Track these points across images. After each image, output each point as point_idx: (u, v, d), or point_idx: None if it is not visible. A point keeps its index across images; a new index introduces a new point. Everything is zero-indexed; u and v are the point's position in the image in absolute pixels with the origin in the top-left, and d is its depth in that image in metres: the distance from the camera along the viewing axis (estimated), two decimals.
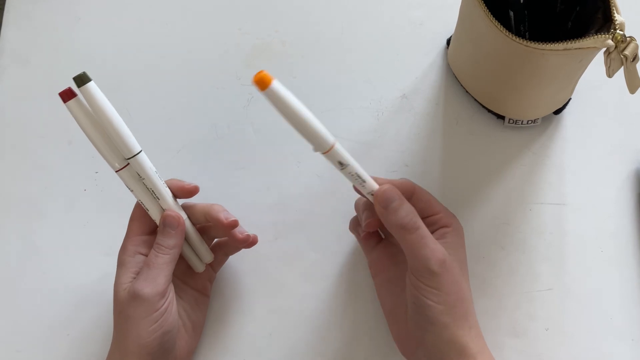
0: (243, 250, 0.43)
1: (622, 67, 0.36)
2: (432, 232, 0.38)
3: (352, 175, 0.35)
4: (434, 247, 0.36)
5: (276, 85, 0.30)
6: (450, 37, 0.50)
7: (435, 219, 0.39)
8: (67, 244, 0.46)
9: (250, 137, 0.49)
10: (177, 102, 0.51)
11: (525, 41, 0.38)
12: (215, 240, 0.44)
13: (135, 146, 0.37)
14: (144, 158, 0.37)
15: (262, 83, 0.30)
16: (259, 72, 0.30)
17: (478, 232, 0.46)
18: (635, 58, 0.35)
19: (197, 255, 0.41)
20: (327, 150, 0.34)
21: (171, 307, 0.38)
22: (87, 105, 0.35)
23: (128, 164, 0.37)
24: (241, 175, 0.48)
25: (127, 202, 0.47)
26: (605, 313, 0.43)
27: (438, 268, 0.35)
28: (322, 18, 0.53)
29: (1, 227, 0.47)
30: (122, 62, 0.52)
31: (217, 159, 0.49)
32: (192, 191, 0.41)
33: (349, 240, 0.46)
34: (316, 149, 0.34)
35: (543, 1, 0.45)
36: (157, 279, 0.37)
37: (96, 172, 0.48)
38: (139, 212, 0.40)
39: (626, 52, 0.35)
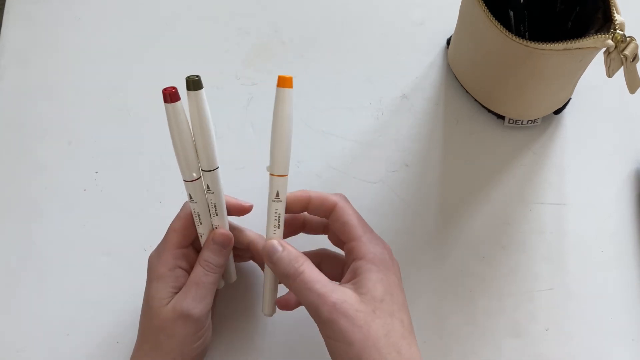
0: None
1: (622, 67, 0.36)
2: (348, 265, 0.35)
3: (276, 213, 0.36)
4: (322, 291, 0.32)
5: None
6: (451, 36, 0.50)
7: (350, 247, 0.35)
8: (67, 244, 0.46)
9: (250, 137, 0.49)
10: None
11: (525, 41, 0.38)
12: None
13: (217, 160, 0.36)
14: (219, 173, 0.36)
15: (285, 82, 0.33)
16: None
17: (478, 232, 0.46)
18: (635, 58, 0.35)
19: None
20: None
21: (210, 322, 0.38)
22: (185, 111, 0.34)
23: (200, 176, 0.36)
24: (241, 175, 0.48)
25: (127, 202, 0.47)
26: (605, 313, 0.43)
27: (327, 314, 0.31)
28: (322, 18, 0.53)
29: (1, 227, 0.47)
30: (121, 62, 0.52)
31: (217, 159, 0.49)
32: (247, 210, 0.40)
33: None
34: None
35: (543, 1, 0.45)
36: (206, 298, 0.36)
37: (96, 172, 0.48)
38: (182, 224, 0.38)
39: (626, 52, 0.35)
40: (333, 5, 0.54)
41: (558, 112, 0.48)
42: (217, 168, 0.36)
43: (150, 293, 0.37)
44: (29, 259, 0.46)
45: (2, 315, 0.44)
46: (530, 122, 0.47)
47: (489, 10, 0.39)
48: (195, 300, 0.36)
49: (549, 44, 0.37)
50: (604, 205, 0.46)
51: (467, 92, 0.49)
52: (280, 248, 0.35)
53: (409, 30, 0.52)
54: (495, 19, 0.39)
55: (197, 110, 0.33)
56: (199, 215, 0.37)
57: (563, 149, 0.48)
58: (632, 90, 0.37)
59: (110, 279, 0.45)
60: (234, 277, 0.42)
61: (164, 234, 0.39)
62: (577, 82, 0.45)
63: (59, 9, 0.54)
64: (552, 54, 0.38)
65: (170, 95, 0.33)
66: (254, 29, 0.53)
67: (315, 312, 0.32)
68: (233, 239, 0.38)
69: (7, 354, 0.43)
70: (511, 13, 0.46)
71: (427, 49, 0.52)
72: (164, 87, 0.34)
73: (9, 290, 0.45)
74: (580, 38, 0.36)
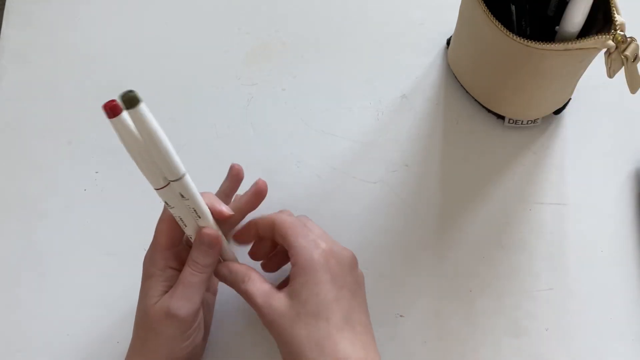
0: (244, 250, 0.43)
1: (623, 68, 0.36)
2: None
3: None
4: (259, 303, 0.36)
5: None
6: (451, 37, 0.50)
7: (290, 256, 0.37)
8: (67, 244, 0.46)
9: (250, 137, 0.49)
10: (177, 102, 0.51)
11: (525, 41, 0.38)
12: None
13: (181, 169, 0.33)
14: (188, 180, 0.34)
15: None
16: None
17: (478, 232, 0.46)
18: (635, 58, 0.35)
19: None
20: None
21: (201, 321, 0.38)
22: (133, 125, 0.31)
23: (169, 183, 0.34)
24: None
25: (127, 202, 0.47)
26: (605, 313, 0.43)
27: (263, 323, 0.36)
28: (322, 18, 0.53)
29: (1, 227, 0.47)
30: (122, 62, 0.52)
31: (217, 159, 0.49)
32: (226, 218, 0.38)
33: (348, 240, 0.46)
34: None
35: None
36: (193, 297, 0.36)
37: (96, 172, 0.48)
38: (168, 225, 0.38)
39: (627, 52, 0.35)
40: (333, 6, 0.54)
41: (558, 112, 0.48)
42: (184, 175, 0.34)
43: (142, 292, 0.37)
44: (29, 259, 0.46)
45: (2, 315, 0.44)
46: (530, 122, 0.47)
47: (489, 8, 0.39)
48: (181, 300, 0.35)
49: (550, 44, 0.37)
50: (604, 205, 0.46)
51: (467, 92, 0.49)
52: (226, 271, 0.38)
53: (409, 30, 0.52)
54: (497, 14, 0.39)
55: (143, 126, 0.31)
56: (181, 218, 0.36)
57: (563, 149, 0.48)
58: (632, 90, 0.37)
59: (110, 279, 0.45)
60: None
61: None
62: (577, 82, 0.45)
63: (59, 9, 0.54)
64: (553, 54, 0.38)
65: (111, 109, 0.30)
66: (254, 29, 0.53)
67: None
68: (220, 238, 0.38)
69: (7, 354, 0.43)
70: (513, 8, 0.46)
71: (427, 49, 0.52)
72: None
73: (9, 290, 0.45)
74: (581, 38, 0.37)
